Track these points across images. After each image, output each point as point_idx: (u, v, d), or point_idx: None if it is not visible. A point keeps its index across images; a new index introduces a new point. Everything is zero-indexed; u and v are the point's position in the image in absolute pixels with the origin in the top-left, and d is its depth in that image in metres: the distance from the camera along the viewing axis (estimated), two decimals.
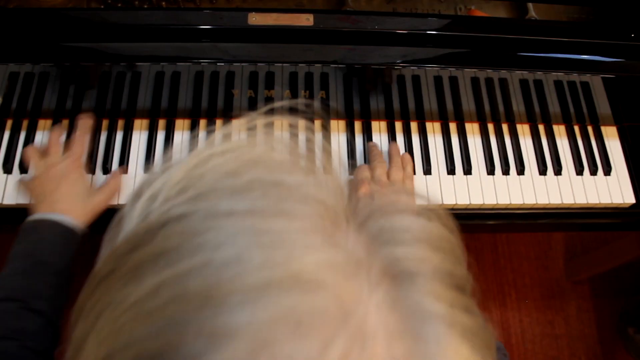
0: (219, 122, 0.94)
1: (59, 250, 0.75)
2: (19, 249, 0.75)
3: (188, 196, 0.32)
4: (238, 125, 0.40)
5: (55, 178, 0.81)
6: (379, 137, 0.95)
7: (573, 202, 0.94)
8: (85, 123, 0.88)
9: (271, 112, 0.41)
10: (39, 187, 0.81)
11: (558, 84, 0.92)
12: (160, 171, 0.36)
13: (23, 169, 0.89)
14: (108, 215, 0.87)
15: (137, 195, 0.35)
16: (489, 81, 0.92)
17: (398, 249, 0.32)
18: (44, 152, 0.86)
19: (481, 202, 0.92)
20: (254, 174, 0.33)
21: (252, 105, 0.93)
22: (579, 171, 0.96)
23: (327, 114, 0.94)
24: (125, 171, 0.90)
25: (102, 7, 0.90)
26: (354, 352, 0.26)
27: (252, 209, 0.30)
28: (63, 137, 0.89)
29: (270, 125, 0.40)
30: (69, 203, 0.80)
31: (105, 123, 0.93)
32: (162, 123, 0.93)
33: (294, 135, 0.39)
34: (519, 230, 1.34)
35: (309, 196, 0.32)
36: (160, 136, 0.92)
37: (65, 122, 0.92)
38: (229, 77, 0.87)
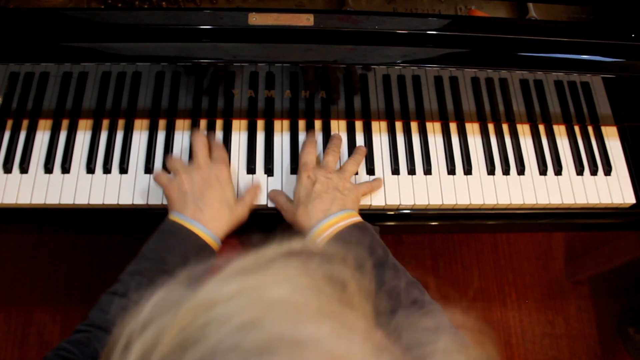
0: (219, 121, 0.94)
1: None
2: (153, 248, 0.73)
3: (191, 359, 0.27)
4: (242, 263, 0.34)
5: (206, 179, 0.78)
6: (379, 137, 0.95)
7: (573, 202, 0.94)
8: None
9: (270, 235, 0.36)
10: (187, 184, 0.78)
11: (558, 84, 0.92)
12: (150, 314, 0.31)
13: (23, 169, 0.89)
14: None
15: (126, 347, 0.30)
16: (489, 81, 0.92)
17: None
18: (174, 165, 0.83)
19: (481, 202, 0.92)
20: (275, 326, 0.29)
21: (252, 105, 0.93)
22: (580, 171, 0.96)
23: None
24: (125, 171, 0.90)
25: (102, 7, 0.90)
26: None
27: None
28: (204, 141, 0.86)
29: (277, 260, 0.35)
30: (217, 211, 0.77)
31: (105, 123, 0.93)
32: (162, 123, 0.94)
33: (311, 269, 0.35)
34: (519, 230, 1.34)
35: (334, 354, 0.29)
36: (161, 136, 0.93)
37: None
38: (229, 77, 0.87)
